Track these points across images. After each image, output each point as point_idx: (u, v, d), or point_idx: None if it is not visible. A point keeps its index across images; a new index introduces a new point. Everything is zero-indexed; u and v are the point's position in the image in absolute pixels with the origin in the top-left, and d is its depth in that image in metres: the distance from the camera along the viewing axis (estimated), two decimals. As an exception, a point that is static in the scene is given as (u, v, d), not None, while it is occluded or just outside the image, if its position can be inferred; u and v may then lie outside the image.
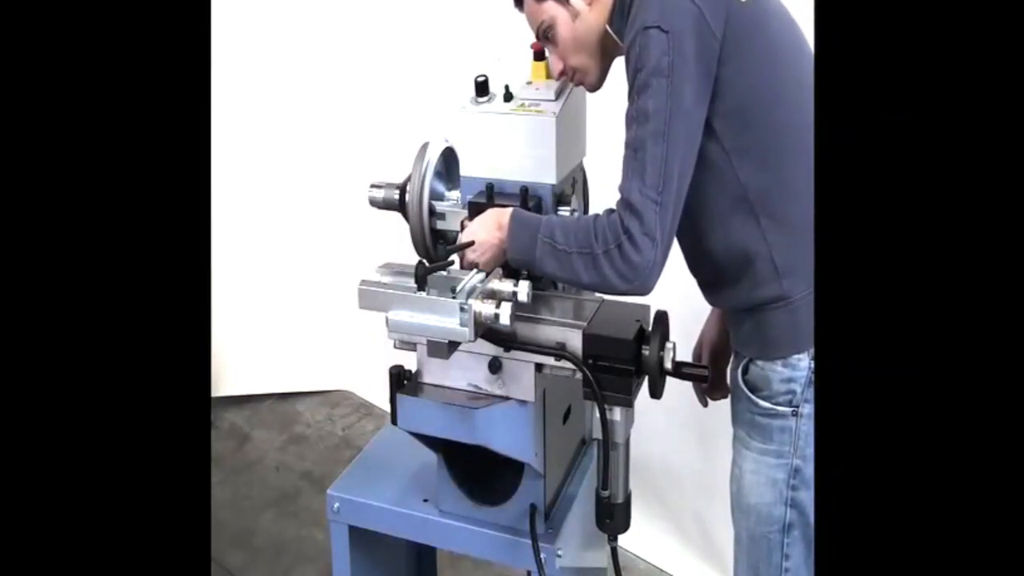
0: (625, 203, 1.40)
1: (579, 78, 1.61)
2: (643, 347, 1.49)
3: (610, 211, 1.43)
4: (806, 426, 1.51)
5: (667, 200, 1.38)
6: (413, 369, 1.63)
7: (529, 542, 1.60)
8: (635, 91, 1.41)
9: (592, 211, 1.85)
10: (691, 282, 1.66)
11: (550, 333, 1.52)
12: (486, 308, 1.40)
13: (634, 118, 1.40)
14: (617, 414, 1.50)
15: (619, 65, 1.54)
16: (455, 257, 1.63)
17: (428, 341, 1.47)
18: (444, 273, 1.50)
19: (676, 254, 1.80)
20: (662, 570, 2.78)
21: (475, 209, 1.61)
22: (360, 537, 1.80)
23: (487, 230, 1.54)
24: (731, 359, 1.67)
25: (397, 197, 1.75)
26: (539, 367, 1.54)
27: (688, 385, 1.78)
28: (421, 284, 1.43)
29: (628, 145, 1.41)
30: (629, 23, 1.45)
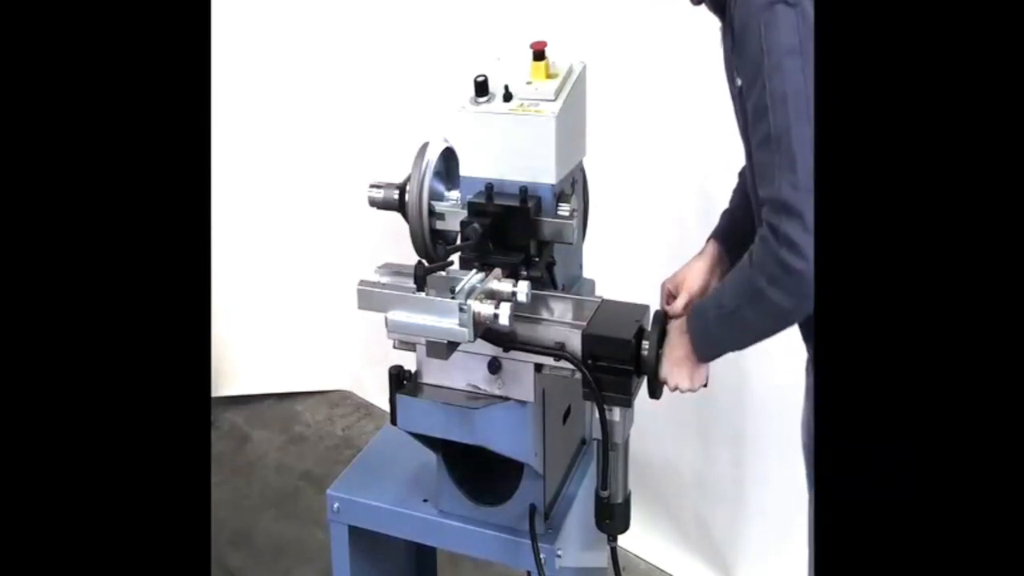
0: (778, 205, 1.23)
1: None
2: (642, 347, 1.49)
3: (761, 237, 1.28)
4: None
5: (813, 185, 1.18)
6: (413, 369, 1.63)
7: (529, 542, 1.60)
8: (764, 75, 1.27)
9: (592, 210, 1.86)
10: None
11: (550, 333, 1.52)
12: (485, 308, 1.40)
13: (768, 106, 1.26)
14: (616, 414, 1.50)
15: (617, 64, 1.53)
16: (455, 257, 1.63)
17: (427, 341, 1.47)
18: (443, 273, 1.50)
19: (672, 254, 1.80)
20: (662, 570, 2.78)
21: (475, 209, 1.61)
22: (360, 537, 1.80)
23: (677, 348, 1.48)
24: None
25: (397, 197, 1.75)
26: (539, 367, 1.54)
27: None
28: (420, 284, 1.43)
29: (766, 139, 1.27)
30: None
